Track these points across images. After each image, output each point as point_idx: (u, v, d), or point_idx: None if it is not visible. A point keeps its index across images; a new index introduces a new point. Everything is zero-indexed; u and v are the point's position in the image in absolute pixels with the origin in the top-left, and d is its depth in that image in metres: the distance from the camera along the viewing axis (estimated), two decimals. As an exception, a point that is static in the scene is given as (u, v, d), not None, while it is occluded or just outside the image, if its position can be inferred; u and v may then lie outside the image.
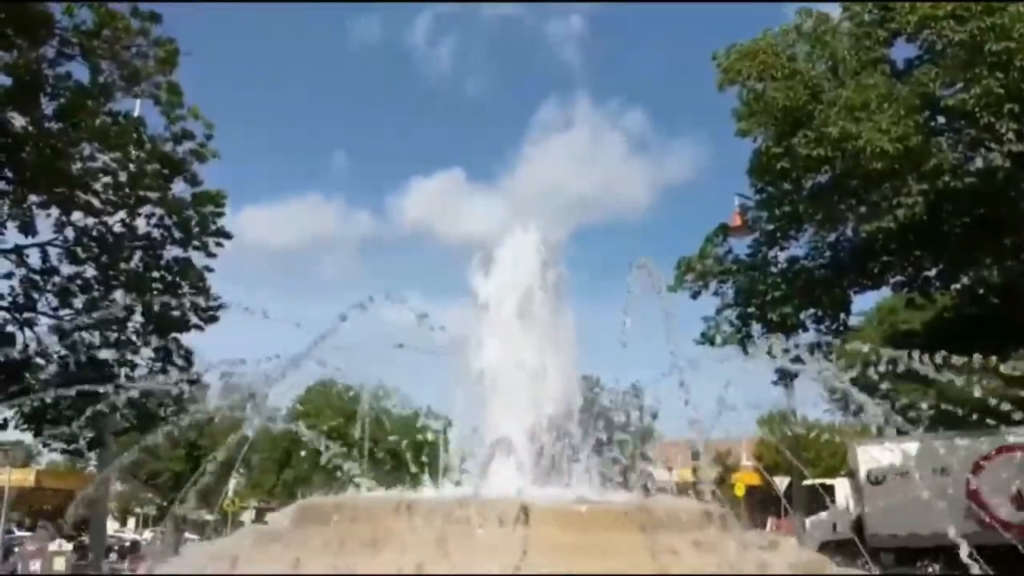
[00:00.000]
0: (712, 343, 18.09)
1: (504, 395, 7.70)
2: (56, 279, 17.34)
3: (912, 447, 20.74)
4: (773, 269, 18.28)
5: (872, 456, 21.58)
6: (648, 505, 6.52)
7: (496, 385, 7.68)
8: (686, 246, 20.24)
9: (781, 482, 29.49)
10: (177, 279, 17.40)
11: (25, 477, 27.85)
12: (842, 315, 18.38)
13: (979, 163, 16.08)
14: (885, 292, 25.11)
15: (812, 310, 18.05)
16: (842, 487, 25.99)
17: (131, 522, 59.14)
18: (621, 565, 5.50)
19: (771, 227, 17.92)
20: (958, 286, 18.53)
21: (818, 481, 28.03)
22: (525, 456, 7.13)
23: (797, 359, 15.56)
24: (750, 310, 18.08)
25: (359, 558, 5.36)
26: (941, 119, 16.33)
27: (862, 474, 22.13)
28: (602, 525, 5.98)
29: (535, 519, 5.66)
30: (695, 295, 18.61)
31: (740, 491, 34.64)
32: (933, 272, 18.48)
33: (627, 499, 7.11)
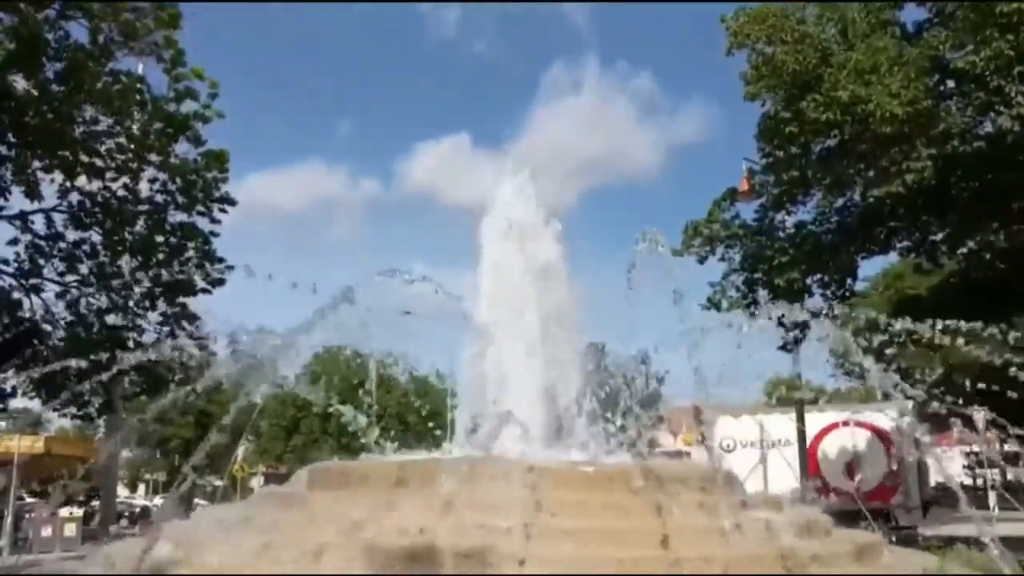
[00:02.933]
0: (718, 308, 18.07)
1: (510, 356, 7.75)
2: (62, 245, 17.36)
3: (764, 419, 22.00)
4: (780, 234, 18.19)
5: (727, 427, 22.65)
6: (653, 466, 6.57)
7: (501, 345, 7.72)
8: (694, 210, 20.21)
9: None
10: (183, 243, 17.41)
11: (34, 444, 28.13)
12: (848, 281, 18.33)
13: (988, 127, 15.91)
14: (892, 258, 25.07)
15: (818, 275, 17.98)
16: (698, 454, 27.05)
17: (141, 488, 59.88)
18: (627, 524, 5.56)
19: (778, 192, 17.77)
20: (965, 251, 18.41)
21: (675, 448, 29.28)
22: (533, 418, 7.18)
23: (804, 324, 15.57)
24: (756, 275, 18.03)
25: (371, 518, 5.42)
26: (950, 83, 16.13)
27: (717, 443, 22.98)
28: (608, 485, 6.04)
29: (542, 479, 5.71)
30: (702, 260, 18.57)
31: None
32: (940, 237, 18.36)
33: (632, 461, 7.16)
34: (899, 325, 6.06)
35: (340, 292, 5.92)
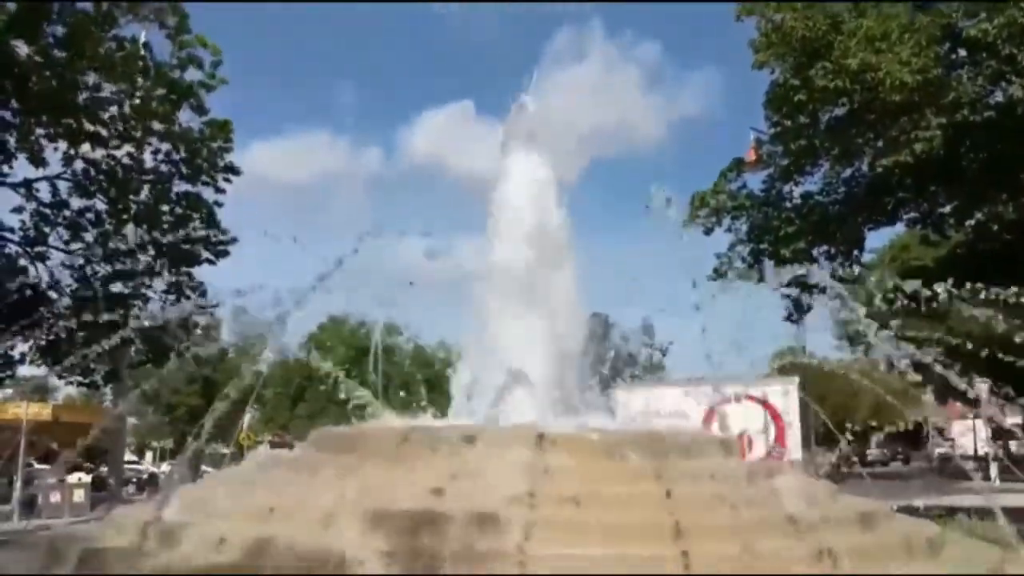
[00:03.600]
0: (724, 279, 18.04)
1: (515, 324, 7.74)
2: (66, 213, 17.38)
3: (659, 392, 22.18)
4: (787, 205, 18.11)
5: (625, 400, 22.86)
6: (658, 433, 6.60)
7: (507, 312, 7.71)
8: (701, 181, 20.04)
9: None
10: (188, 213, 17.40)
11: (41, 411, 28.31)
12: (855, 252, 18.28)
13: (999, 96, 15.77)
14: (898, 229, 24.97)
15: (825, 247, 17.94)
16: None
17: (148, 455, 60.37)
18: (631, 490, 5.58)
19: (786, 162, 17.67)
20: (972, 222, 18.34)
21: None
22: (538, 386, 7.19)
23: (811, 291, 15.51)
24: (763, 246, 17.98)
25: (378, 483, 5.45)
26: (962, 51, 15.94)
27: (618, 416, 23.16)
28: (613, 452, 6.06)
29: (548, 446, 5.73)
30: (708, 231, 18.51)
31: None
32: (948, 208, 18.27)
33: (637, 428, 7.19)
34: (909, 287, 6.02)
35: (345, 253, 5.88)
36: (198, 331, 19.33)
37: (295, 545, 4.87)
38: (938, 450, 38.93)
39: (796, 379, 19.68)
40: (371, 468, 5.77)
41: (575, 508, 5.18)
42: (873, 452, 42.37)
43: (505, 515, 4.88)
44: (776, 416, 21.02)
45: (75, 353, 16.10)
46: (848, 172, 17.89)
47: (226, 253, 17.81)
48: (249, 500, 5.76)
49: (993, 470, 23.25)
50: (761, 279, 17.19)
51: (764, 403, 21.53)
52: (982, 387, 25.78)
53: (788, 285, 17.24)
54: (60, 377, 20.31)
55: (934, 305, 9.15)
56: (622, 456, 5.98)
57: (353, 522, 5.01)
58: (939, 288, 6.06)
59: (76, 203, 17.34)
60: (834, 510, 6.15)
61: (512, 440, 5.77)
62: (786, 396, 19.30)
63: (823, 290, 16.72)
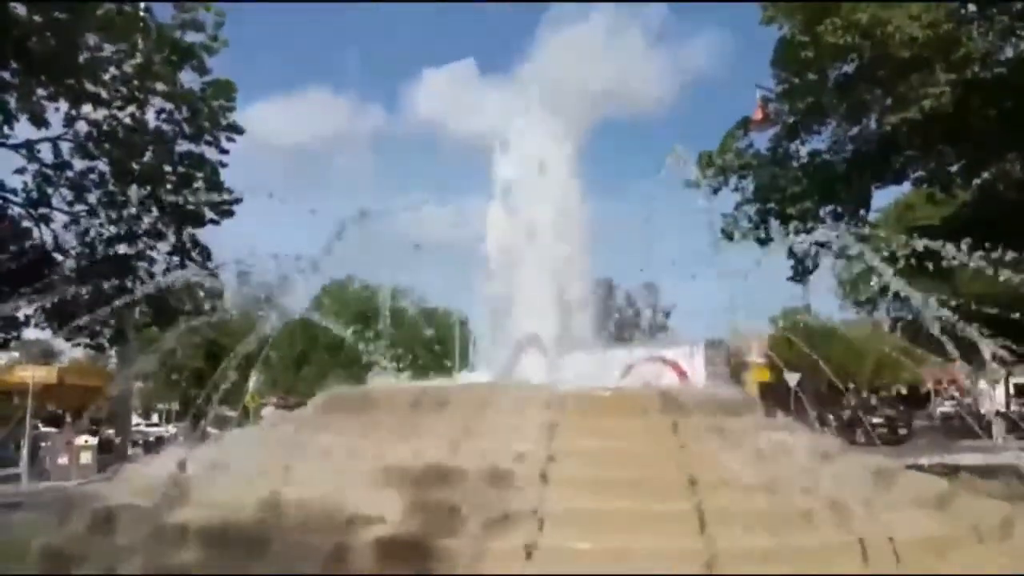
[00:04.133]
0: (730, 239, 17.94)
1: (525, 284, 7.74)
2: (69, 174, 17.24)
3: (584, 356, 22.40)
4: (794, 164, 17.90)
5: (564, 363, 23.13)
6: (671, 392, 6.61)
7: (516, 273, 7.71)
8: (706, 142, 19.84)
9: (792, 377, 29.90)
10: (191, 173, 17.26)
11: (47, 375, 28.45)
12: (862, 211, 18.13)
13: (1009, 52, 15.51)
14: (904, 189, 24.76)
15: (831, 206, 17.78)
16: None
17: (155, 418, 60.78)
18: (644, 446, 5.61)
19: (793, 120, 17.44)
20: (980, 181, 18.17)
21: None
22: (548, 345, 7.19)
23: (823, 245, 15.40)
24: (769, 205, 17.82)
25: (391, 441, 5.47)
26: (972, 6, 15.66)
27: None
28: (626, 410, 6.08)
29: (561, 404, 5.74)
30: (715, 191, 18.30)
31: (755, 386, 35.14)
32: (955, 167, 18.08)
33: (650, 387, 7.21)
34: (920, 244, 5.97)
35: (353, 217, 5.83)
36: (201, 294, 19.31)
37: (311, 502, 4.90)
38: (940, 409, 39.12)
39: (702, 343, 20.49)
40: (385, 427, 5.79)
41: (588, 464, 5.21)
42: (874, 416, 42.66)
43: (519, 471, 4.90)
44: (682, 374, 22.00)
45: (81, 315, 16.11)
46: (856, 130, 17.64)
47: (230, 214, 17.71)
48: (264, 459, 5.80)
49: (996, 428, 23.36)
50: (767, 239, 17.10)
51: (674, 364, 22.16)
52: (987, 347, 25.81)
53: (792, 253, 17.21)
54: (67, 339, 20.32)
55: (943, 264, 9.09)
56: (635, 413, 6.00)
57: (368, 479, 5.05)
58: (951, 247, 6.00)
59: (79, 164, 17.19)
60: (845, 465, 6.19)
61: (524, 399, 5.79)
62: (691, 358, 20.89)
63: (831, 248, 16.70)
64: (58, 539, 5.46)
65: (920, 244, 6.12)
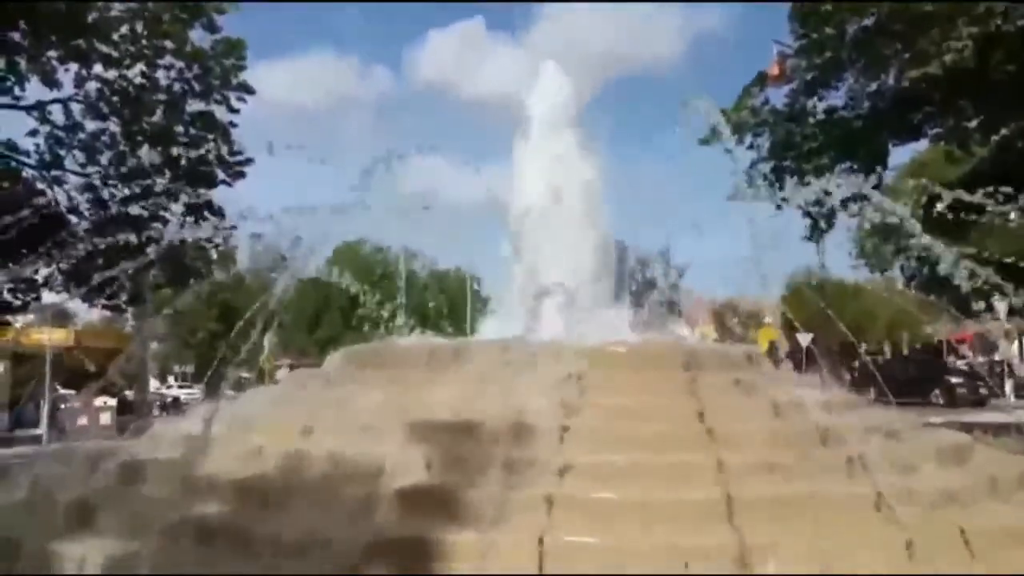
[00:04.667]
0: (745, 197, 17.78)
1: (543, 243, 7.73)
2: (81, 136, 17.25)
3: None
4: (810, 120, 17.69)
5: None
6: (688, 347, 6.63)
7: (534, 232, 7.70)
8: (722, 100, 19.51)
9: (805, 338, 29.95)
10: (201, 133, 17.23)
11: (65, 337, 28.82)
12: (879, 168, 17.92)
13: (1033, 4, 15.18)
14: (920, 147, 24.46)
15: (848, 164, 17.58)
16: None
17: (171, 380, 61.48)
18: (663, 401, 5.64)
19: (810, 76, 17.18)
20: (998, 138, 17.91)
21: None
22: (565, 301, 7.20)
23: (832, 213, 15.27)
24: (785, 163, 17.65)
25: (413, 396, 5.52)
26: (995, -41, 15.32)
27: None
28: (644, 365, 6.10)
29: (580, 360, 5.76)
30: (729, 149, 18.15)
31: (764, 346, 35.23)
32: (974, 124, 17.82)
33: (667, 342, 7.22)
34: (948, 197, 5.90)
35: (362, 172, 5.79)
36: (215, 255, 19.40)
37: (335, 455, 4.97)
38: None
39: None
40: (405, 383, 5.84)
41: (608, 417, 5.25)
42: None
43: (540, 425, 4.94)
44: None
45: (96, 277, 16.22)
46: (874, 86, 17.36)
47: (242, 174, 17.72)
48: (286, 415, 5.87)
49: (1008, 387, 23.33)
50: (783, 197, 16.96)
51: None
52: (1001, 305, 25.69)
53: (807, 213, 17.07)
54: (84, 301, 20.49)
55: (961, 216, 8.99)
56: (653, 368, 6.03)
57: (391, 433, 5.10)
58: (984, 198, 5.92)
59: (90, 125, 17.20)
60: (862, 419, 6.20)
61: (544, 353, 5.81)
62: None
63: (845, 206, 16.56)
64: (85, 491, 5.55)
65: (948, 196, 6.03)
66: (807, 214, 17.31)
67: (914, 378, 23.56)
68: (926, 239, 5.21)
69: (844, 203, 14.91)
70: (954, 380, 25.62)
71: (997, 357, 35.66)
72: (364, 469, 4.78)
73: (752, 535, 4.09)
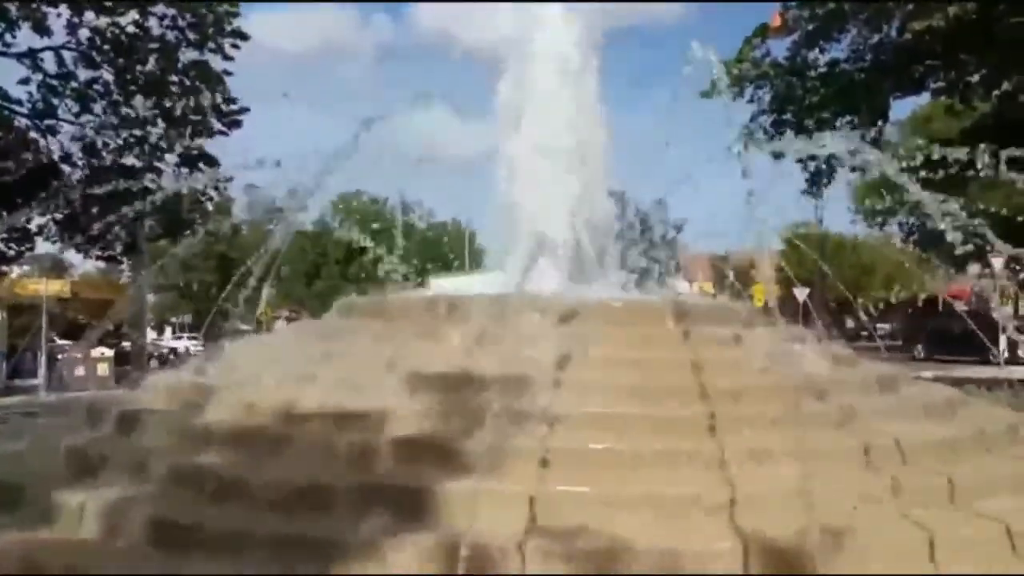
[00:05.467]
0: (745, 150, 17.60)
1: (540, 190, 7.68)
2: (74, 84, 17.03)
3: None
4: (812, 73, 17.51)
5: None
6: (683, 302, 6.65)
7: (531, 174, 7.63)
8: (724, 51, 19.23)
9: (801, 292, 29.97)
10: (196, 83, 17.02)
11: (61, 288, 28.85)
12: (880, 122, 17.80)
13: (1039, -43, 14.96)
14: (921, 100, 24.28)
15: (849, 117, 17.46)
16: None
17: (167, 331, 61.64)
18: (657, 355, 5.68)
19: (812, 27, 16.95)
20: (999, 92, 17.78)
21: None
22: (561, 254, 7.21)
23: (831, 169, 15.18)
24: (785, 116, 17.53)
25: (409, 349, 5.55)
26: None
27: None
28: (639, 320, 6.13)
29: (575, 314, 5.79)
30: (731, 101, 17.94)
31: (759, 300, 35.28)
32: (976, 77, 17.68)
33: (663, 296, 7.24)
34: (954, 154, 5.85)
35: (362, 123, 5.72)
36: (210, 206, 19.33)
37: (331, 406, 5.01)
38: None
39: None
40: (402, 335, 5.86)
41: (601, 370, 5.28)
42: (882, 326, 42.86)
43: (535, 376, 4.97)
44: None
45: (94, 226, 16.15)
46: (876, 38, 17.17)
47: (238, 124, 17.56)
48: (285, 366, 5.89)
49: (1003, 342, 23.40)
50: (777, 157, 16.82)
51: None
52: (997, 261, 25.65)
53: (805, 166, 16.98)
54: (79, 250, 20.44)
55: (953, 171, 8.95)
56: (647, 322, 6.06)
57: (389, 384, 5.14)
58: (980, 154, 5.88)
59: (83, 74, 16.99)
60: (855, 373, 6.27)
61: (539, 307, 5.82)
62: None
63: (843, 161, 16.44)
64: (85, 440, 5.61)
65: (954, 152, 5.98)
66: (807, 168, 17.26)
67: (967, 333, 22.43)
68: (918, 192, 5.18)
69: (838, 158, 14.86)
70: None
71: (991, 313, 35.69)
72: (360, 419, 4.82)
73: (744, 484, 4.16)
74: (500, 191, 7.84)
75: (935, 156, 6.23)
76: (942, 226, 4.91)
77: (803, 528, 3.82)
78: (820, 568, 3.66)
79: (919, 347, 29.14)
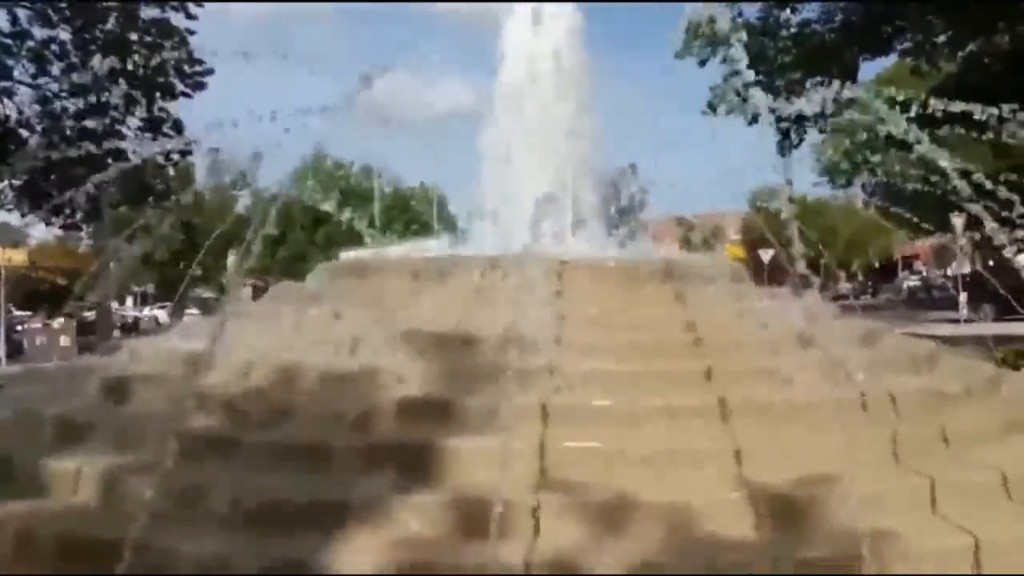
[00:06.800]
0: (715, 112, 17.72)
1: (524, 151, 7.65)
2: (30, 44, 16.40)
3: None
4: (783, 34, 17.54)
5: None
6: (675, 260, 6.69)
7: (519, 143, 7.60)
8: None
9: (766, 254, 30.39)
10: (158, 41, 16.48)
11: (18, 257, 28.07)
12: (848, 83, 17.88)
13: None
14: (886, 63, 24.48)
15: (819, 78, 17.55)
16: None
17: (129, 300, 60.50)
18: (652, 312, 5.71)
19: (784, -13, 17.00)
20: (964, 53, 18.02)
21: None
22: (549, 214, 7.18)
23: (802, 125, 15.21)
24: (757, 78, 17.52)
25: (403, 309, 5.50)
26: None
27: None
28: (632, 278, 6.15)
29: (568, 272, 5.77)
30: (702, 63, 17.90)
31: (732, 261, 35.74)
32: (943, 39, 17.86)
33: (654, 255, 7.27)
34: (940, 104, 5.89)
35: (360, 79, 5.56)
36: (172, 172, 18.90)
37: (327, 369, 4.96)
38: (907, 283, 40.18)
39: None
40: (392, 296, 5.80)
41: (601, 329, 5.30)
42: (843, 286, 43.70)
43: (533, 336, 4.96)
44: None
45: (54, 194, 15.71)
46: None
47: (203, 85, 17.11)
48: (273, 331, 5.80)
49: (962, 299, 23.98)
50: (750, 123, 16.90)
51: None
52: (957, 221, 26.17)
53: (778, 128, 17.04)
54: (42, 219, 19.88)
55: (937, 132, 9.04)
56: (640, 280, 6.08)
57: (382, 345, 5.10)
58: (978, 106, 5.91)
59: (39, 33, 16.37)
60: (839, 329, 6.36)
61: (534, 265, 5.79)
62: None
63: (816, 121, 16.62)
64: (70, 407, 5.49)
65: (934, 103, 6.02)
66: (779, 128, 17.35)
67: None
68: (928, 147, 5.21)
69: (817, 117, 14.96)
70: None
71: (950, 272, 36.61)
72: (359, 381, 4.78)
73: (744, 438, 4.21)
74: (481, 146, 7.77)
75: (933, 110, 6.26)
76: (955, 183, 4.94)
77: (808, 477, 3.89)
78: (827, 516, 3.74)
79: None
